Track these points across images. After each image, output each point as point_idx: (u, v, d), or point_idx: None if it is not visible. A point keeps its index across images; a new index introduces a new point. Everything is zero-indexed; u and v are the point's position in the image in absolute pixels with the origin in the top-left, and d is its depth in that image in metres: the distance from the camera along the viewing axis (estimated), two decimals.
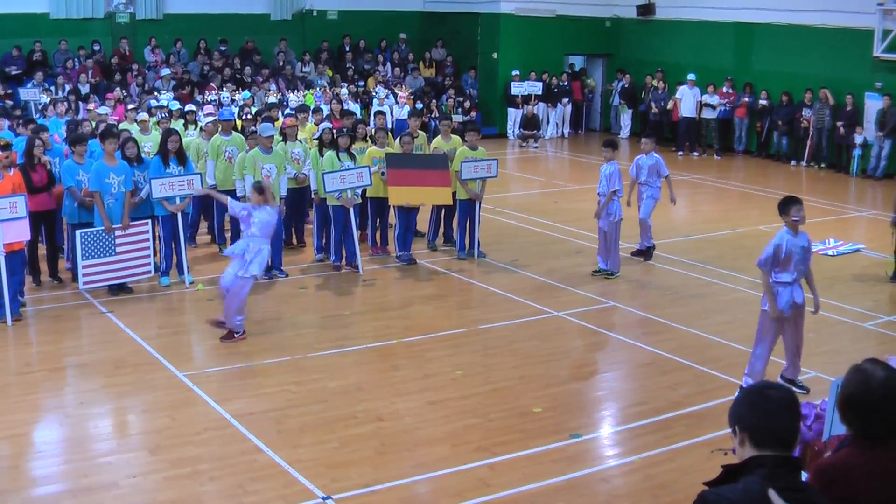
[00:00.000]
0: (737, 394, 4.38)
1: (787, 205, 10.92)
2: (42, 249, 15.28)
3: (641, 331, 13.59)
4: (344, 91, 27.76)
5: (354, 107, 24.85)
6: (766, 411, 4.20)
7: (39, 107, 22.34)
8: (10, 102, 24.50)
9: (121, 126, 18.24)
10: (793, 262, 10.87)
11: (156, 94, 25.63)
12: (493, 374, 11.80)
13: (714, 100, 29.90)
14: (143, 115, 18.56)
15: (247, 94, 25.26)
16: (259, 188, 12.93)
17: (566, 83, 33.93)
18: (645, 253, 17.14)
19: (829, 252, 17.75)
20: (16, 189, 13.44)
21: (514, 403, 10.86)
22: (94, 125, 17.92)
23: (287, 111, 21.11)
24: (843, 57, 27.51)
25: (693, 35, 31.66)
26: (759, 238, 18.74)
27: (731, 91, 30.07)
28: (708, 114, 30.13)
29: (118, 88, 26.41)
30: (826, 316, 11.78)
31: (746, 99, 29.58)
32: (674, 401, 11.00)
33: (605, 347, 13.19)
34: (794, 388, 11.08)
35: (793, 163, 28.49)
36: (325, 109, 22.00)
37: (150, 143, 17.01)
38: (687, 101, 29.98)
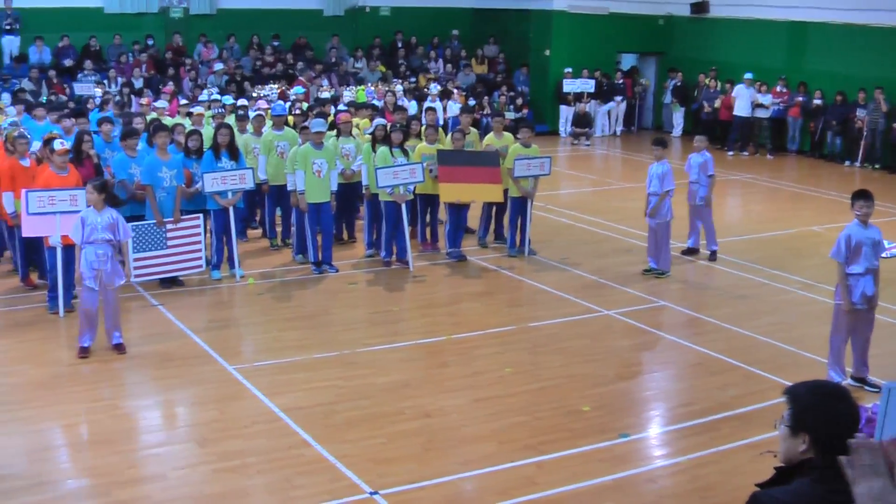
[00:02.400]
0: (807, 392, 4.33)
1: (854, 198, 11.31)
2: None
3: (691, 331, 13.52)
4: (399, 87, 27.77)
5: (411, 104, 24.85)
6: (838, 424, 4.19)
7: (97, 101, 22.48)
8: (63, 97, 24.72)
9: (174, 120, 18.39)
10: (862, 253, 11.19)
11: (202, 90, 25.74)
12: (541, 372, 11.79)
13: (767, 99, 29.65)
14: (199, 109, 18.63)
15: (299, 89, 25.32)
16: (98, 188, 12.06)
17: (620, 81, 33.82)
18: (694, 252, 17.13)
19: (885, 254, 17.56)
20: (79, 183, 13.59)
21: (562, 402, 10.84)
22: (149, 118, 17.98)
23: (340, 107, 21.17)
24: None
25: (746, 34, 31.39)
26: (811, 239, 18.66)
27: (784, 90, 29.79)
28: (761, 113, 29.90)
29: (171, 83, 26.59)
30: (879, 318, 11.69)
31: (800, 98, 29.28)
32: (722, 402, 10.94)
33: (654, 347, 13.12)
34: (867, 388, 11.07)
35: (846, 163, 28.16)
36: (378, 105, 22.03)
37: None
38: (743, 100, 29.71)
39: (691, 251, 17.16)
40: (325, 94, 25.00)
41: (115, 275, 11.99)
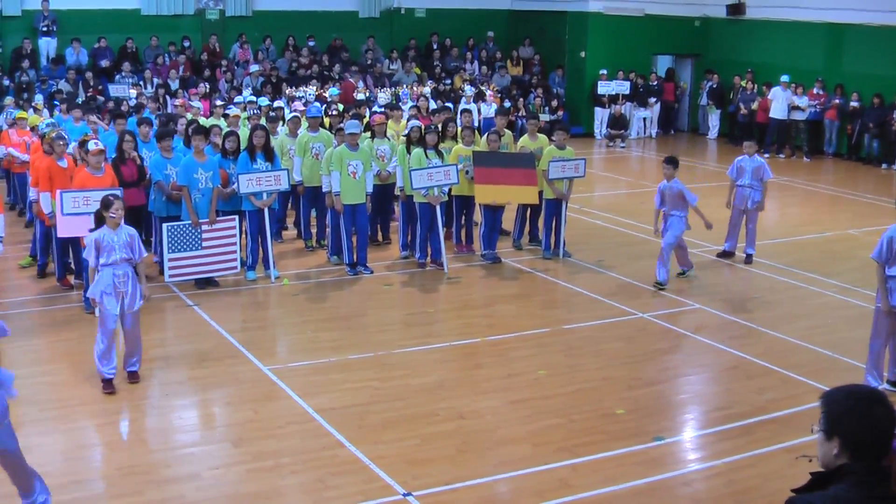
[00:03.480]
0: (842, 396, 4.29)
1: None
2: None
3: (727, 334, 13.43)
4: (426, 90, 27.77)
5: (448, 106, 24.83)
6: (872, 429, 4.15)
7: (131, 103, 22.57)
8: (101, 98, 24.86)
9: (209, 122, 18.45)
10: None
11: (239, 92, 25.81)
12: (576, 374, 11.75)
13: (803, 101, 29.46)
14: (234, 111, 18.69)
15: (335, 90, 25.35)
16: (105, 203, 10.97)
17: (655, 83, 33.70)
18: (729, 255, 17.06)
19: None
20: (114, 184, 13.66)
21: (597, 404, 10.80)
22: (188, 119, 18.06)
23: (375, 108, 21.17)
24: None
25: (783, 35, 31.20)
26: (847, 242, 18.54)
27: (821, 92, 29.58)
28: (797, 115, 29.70)
29: (203, 84, 26.70)
30: None
31: (837, 101, 29.06)
32: (758, 406, 10.87)
33: (690, 350, 13.05)
34: None
35: (884, 166, 27.96)
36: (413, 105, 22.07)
37: None
38: (779, 102, 29.53)
39: (727, 254, 17.08)
40: (360, 96, 25.03)
41: (135, 297, 10.95)
